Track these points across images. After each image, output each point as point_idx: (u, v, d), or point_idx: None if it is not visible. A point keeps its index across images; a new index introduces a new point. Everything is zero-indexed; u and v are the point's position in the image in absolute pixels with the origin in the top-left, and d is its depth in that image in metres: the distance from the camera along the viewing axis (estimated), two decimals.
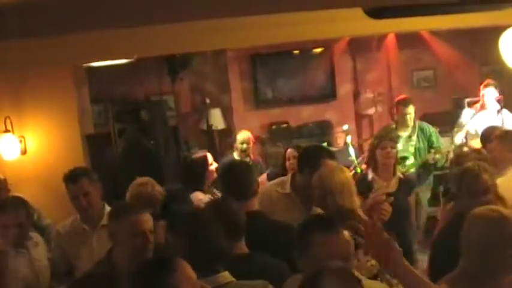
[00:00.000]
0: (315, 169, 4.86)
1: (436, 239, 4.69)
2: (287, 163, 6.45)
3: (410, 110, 7.71)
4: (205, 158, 6.23)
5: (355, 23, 6.93)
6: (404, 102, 7.80)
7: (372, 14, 5.17)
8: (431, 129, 7.84)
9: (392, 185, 5.97)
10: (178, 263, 2.62)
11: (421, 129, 7.76)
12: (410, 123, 7.73)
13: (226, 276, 3.23)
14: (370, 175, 6.08)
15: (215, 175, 6.15)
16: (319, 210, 4.81)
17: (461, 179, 4.57)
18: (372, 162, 6.19)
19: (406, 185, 6.04)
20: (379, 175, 6.06)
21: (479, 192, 4.39)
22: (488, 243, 3.20)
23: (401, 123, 7.78)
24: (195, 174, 6.08)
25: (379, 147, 6.11)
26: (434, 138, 7.73)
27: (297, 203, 5.05)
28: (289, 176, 5.35)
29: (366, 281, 3.37)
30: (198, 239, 3.26)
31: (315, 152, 5.35)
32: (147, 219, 3.78)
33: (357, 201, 4.84)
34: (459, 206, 4.54)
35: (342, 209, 4.38)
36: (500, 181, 5.03)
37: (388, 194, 5.08)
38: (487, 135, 6.09)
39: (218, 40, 7.42)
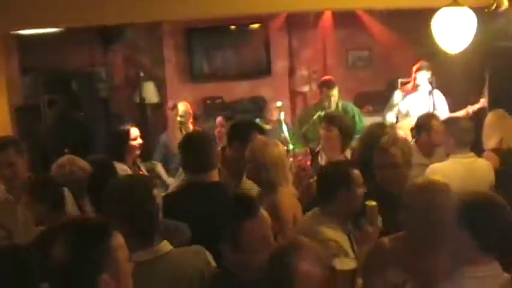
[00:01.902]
0: (244, 143, 4.86)
1: None
2: (215, 131, 6.44)
3: (334, 92, 7.70)
4: (125, 131, 6.15)
5: None
6: (328, 84, 7.78)
7: None
8: (355, 110, 7.87)
9: None
10: (112, 229, 2.55)
11: (345, 111, 7.75)
12: (334, 105, 7.73)
13: (166, 245, 3.22)
14: (323, 156, 5.97)
15: (137, 151, 6.14)
16: (248, 184, 4.82)
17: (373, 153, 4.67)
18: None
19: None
20: (326, 154, 5.96)
21: (387, 165, 4.50)
22: (415, 209, 3.29)
23: (326, 103, 7.78)
24: (114, 147, 6.04)
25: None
26: (357, 119, 7.75)
27: (227, 177, 5.02)
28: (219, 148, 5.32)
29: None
30: (137, 210, 3.19)
31: (245, 127, 5.35)
32: None
33: (290, 176, 4.85)
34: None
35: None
36: (439, 167, 5.12)
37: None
38: (422, 123, 6.09)
39: (152, 12, 7.30)
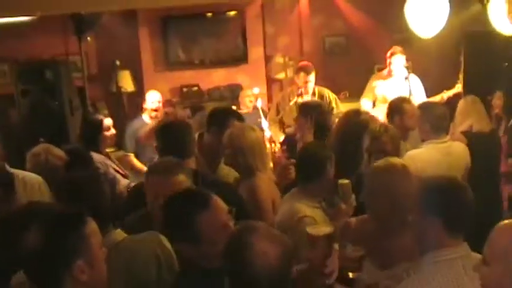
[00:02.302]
0: (222, 129, 4.87)
1: None
2: None
3: (312, 77, 7.73)
4: (98, 121, 6.15)
5: None
6: (306, 69, 7.79)
7: None
8: (332, 96, 7.89)
9: None
10: (87, 217, 2.60)
11: (321, 96, 7.78)
12: (310, 90, 7.75)
13: (120, 233, 3.27)
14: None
15: (110, 141, 6.15)
16: (226, 170, 4.84)
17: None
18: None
19: None
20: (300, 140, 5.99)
21: (377, 152, 4.57)
22: (378, 190, 3.36)
23: (303, 89, 7.81)
24: (88, 137, 6.03)
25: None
26: (334, 105, 7.78)
27: (203, 163, 5.02)
28: (196, 135, 5.34)
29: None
30: (94, 199, 3.23)
31: (223, 112, 5.37)
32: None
33: (269, 162, 4.86)
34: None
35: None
36: (417, 153, 5.16)
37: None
38: (394, 107, 6.13)
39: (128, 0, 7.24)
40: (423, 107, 5.73)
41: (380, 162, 3.57)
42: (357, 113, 5.64)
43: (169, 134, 4.59)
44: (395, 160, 3.60)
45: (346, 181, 4.02)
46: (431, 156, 5.10)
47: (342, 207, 3.96)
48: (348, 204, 3.98)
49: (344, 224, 3.67)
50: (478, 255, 2.75)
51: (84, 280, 2.47)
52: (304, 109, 5.87)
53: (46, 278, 2.47)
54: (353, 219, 3.64)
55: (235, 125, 4.89)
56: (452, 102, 7.99)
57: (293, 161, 4.76)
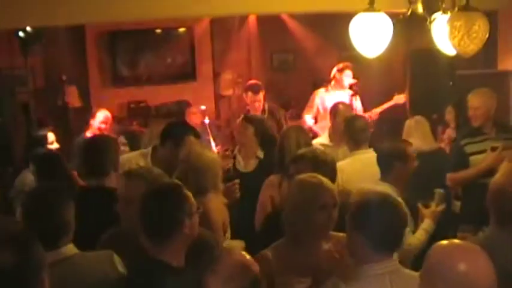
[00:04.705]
0: (178, 143, 4.87)
1: None
2: None
3: (260, 96, 7.75)
4: (43, 136, 6.22)
5: (217, 2, 6.92)
6: (254, 89, 7.81)
7: None
8: (281, 113, 7.94)
9: (251, 165, 5.97)
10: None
11: (271, 113, 7.82)
12: (259, 109, 7.77)
13: (71, 248, 3.18)
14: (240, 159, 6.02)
15: None
16: None
17: None
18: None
19: (266, 166, 5.97)
20: (241, 154, 6.04)
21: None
22: (298, 206, 3.40)
23: (251, 108, 7.83)
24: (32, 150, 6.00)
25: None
26: (283, 122, 7.83)
27: None
28: (149, 148, 5.33)
29: None
30: (42, 213, 3.15)
31: (180, 128, 5.36)
32: None
33: (221, 186, 4.80)
34: None
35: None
36: (343, 164, 5.22)
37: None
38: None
39: (75, 15, 7.14)
40: (345, 121, 5.89)
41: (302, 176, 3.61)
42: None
43: (86, 150, 4.66)
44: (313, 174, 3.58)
45: (440, 191, 4.64)
46: (354, 168, 5.24)
47: (434, 210, 4.52)
48: (438, 209, 4.53)
49: (261, 258, 3.37)
50: (410, 272, 2.84)
51: None
52: (246, 119, 6.09)
53: None
54: (266, 251, 3.47)
55: (196, 143, 4.91)
56: (395, 113, 8.17)
57: (237, 181, 4.83)
